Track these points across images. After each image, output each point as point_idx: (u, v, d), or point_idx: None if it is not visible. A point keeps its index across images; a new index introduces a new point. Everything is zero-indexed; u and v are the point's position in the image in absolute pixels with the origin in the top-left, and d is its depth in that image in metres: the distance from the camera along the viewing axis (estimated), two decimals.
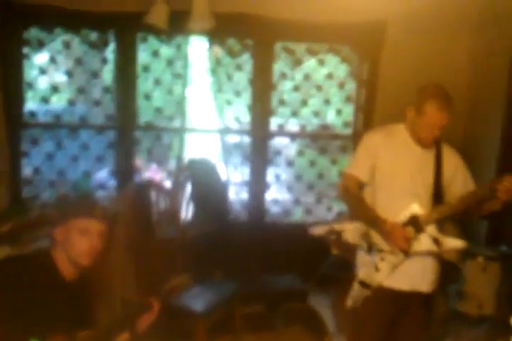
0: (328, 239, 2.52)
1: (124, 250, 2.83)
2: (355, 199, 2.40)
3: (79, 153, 3.91)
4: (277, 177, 4.21)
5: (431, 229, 2.25)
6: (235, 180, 4.13)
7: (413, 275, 2.32)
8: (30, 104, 3.88)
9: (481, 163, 3.60)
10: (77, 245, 1.89)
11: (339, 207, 4.00)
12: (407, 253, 2.25)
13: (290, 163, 4.18)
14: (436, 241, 2.24)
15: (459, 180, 2.38)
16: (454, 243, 2.26)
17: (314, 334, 1.51)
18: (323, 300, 3.73)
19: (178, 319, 2.78)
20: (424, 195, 2.32)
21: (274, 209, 4.23)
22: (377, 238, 2.32)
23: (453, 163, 2.39)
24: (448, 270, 2.45)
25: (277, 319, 3.33)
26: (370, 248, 2.34)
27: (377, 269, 2.31)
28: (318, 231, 2.45)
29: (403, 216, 2.28)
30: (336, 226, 2.41)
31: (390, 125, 2.45)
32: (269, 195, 4.23)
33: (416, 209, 2.27)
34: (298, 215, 4.25)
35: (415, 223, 2.26)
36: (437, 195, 2.32)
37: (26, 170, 3.88)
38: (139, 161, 4.06)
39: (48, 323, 1.79)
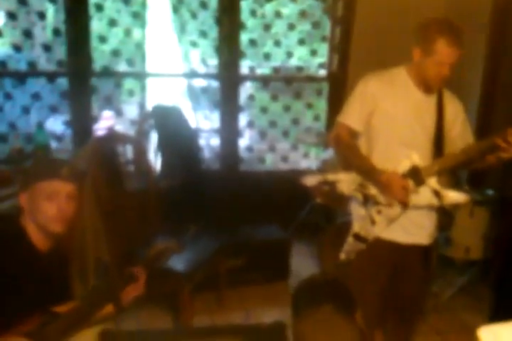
0: (318, 190, 2.34)
1: (94, 209, 2.58)
2: (349, 148, 2.22)
3: (30, 103, 3.56)
4: (250, 123, 3.97)
5: (432, 182, 2.10)
6: (204, 128, 3.89)
7: (412, 228, 2.19)
8: None
9: None
10: (46, 211, 1.66)
11: (316, 153, 3.82)
12: (405, 205, 2.11)
13: (263, 109, 3.94)
14: (437, 194, 2.09)
15: (457, 129, 2.21)
16: (456, 196, 2.11)
17: (342, 308, 1.38)
18: (304, 250, 3.64)
19: (159, 280, 2.59)
20: (425, 144, 2.16)
21: (248, 157, 4.03)
22: (373, 190, 2.17)
23: (454, 110, 2.21)
24: (442, 217, 2.31)
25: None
26: (366, 200, 2.19)
27: (373, 222, 2.18)
28: (310, 181, 2.26)
29: (402, 167, 2.11)
30: (329, 177, 2.22)
31: (388, 69, 2.21)
32: (242, 143, 4.03)
33: (416, 160, 2.10)
34: (273, 162, 4.06)
35: (415, 175, 2.10)
36: (438, 144, 2.16)
37: None
38: (97, 110, 3.73)
39: (25, 300, 1.60)
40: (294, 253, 3.43)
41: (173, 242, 1.88)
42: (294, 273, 3.40)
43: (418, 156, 2.11)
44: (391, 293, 2.31)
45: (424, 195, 2.11)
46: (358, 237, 2.21)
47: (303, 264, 3.50)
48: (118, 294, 1.76)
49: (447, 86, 2.22)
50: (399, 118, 2.14)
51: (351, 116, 2.20)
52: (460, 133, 2.21)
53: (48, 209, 1.65)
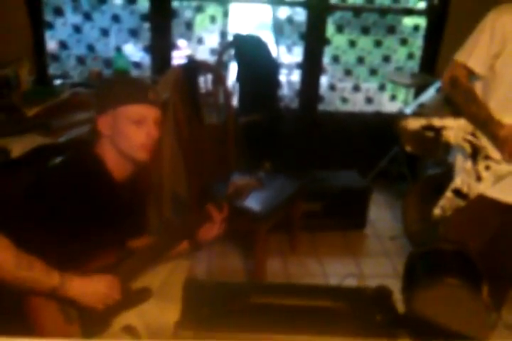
0: (418, 136, 2.11)
1: (173, 141, 2.47)
2: (464, 92, 1.95)
3: (109, 25, 3.44)
4: (335, 59, 3.68)
5: None
6: (286, 61, 3.64)
7: None
8: None
9: None
10: (133, 137, 1.50)
11: (406, 96, 3.52)
12: None
13: (351, 43, 3.62)
14: None
15: None
16: None
17: (468, 284, 1.23)
18: (383, 200, 3.46)
19: (236, 220, 2.50)
20: None
21: (330, 96, 3.78)
22: (485, 142, 1.94)
23: None
24: None
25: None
26: (475, 152, 1.95)
27: (479, 178, 1.95)
28: (412, 124, 2.02)
29: None
30: (436, 122, 1.98)
31: None
32: (325, 80, 3.76)
33: None
34: (356, 103, 3.80)
35: None
36: None
37: (51, 45, 3.46)
38: (178, 38, 3.55)
39: (100, 233, 1.50)
40: (373, 202, 3.26)
41: (252, 179, 1.74)
42: (371, 223, 3.26)
43: None
44: (488, 255, 2.12)
45: None
46: (458, 193, 2.00)
47: (381, 215, 3.35)
48: (194, 232, 1.66)
49: None
50: None
51: (475, 56, 1.92)
52: None
53: (136, 135, 1.51)
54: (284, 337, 1.17)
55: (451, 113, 2.06)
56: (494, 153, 1.94)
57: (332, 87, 3.78)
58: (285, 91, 3.71)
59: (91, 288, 1.42)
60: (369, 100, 3.78)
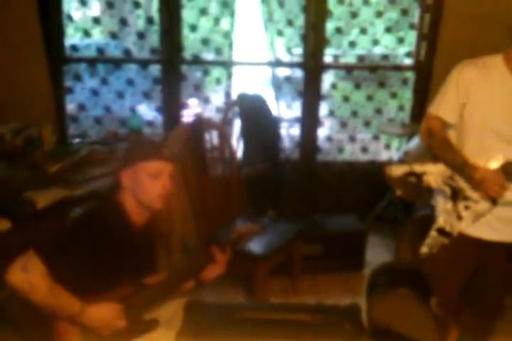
0: (402, 181, 2.32)
1: (183, 191, 2.73)
2: (440, 142, 2.16)
3: (124, 88, 3.78)
4: (331, 112, 3.98)
5: None
6: (286, 116, 3.94)
7: (498, 225, 2.14)
8: (72, 38, 3.70)
9: None
10: (150, 189, 1.77)
11: (398, 144, 3.78)
12: (495, 202, 2.06)
13: (345, 98, 3.93)
14: None
15: None
16: None
17: (418, 294, 1.43)
18: (379, 242, 3.64)
19: (238, 262, 2.70)
20: None
21: (327, 147, 4.05)
22: (463, 184, 2.12)
23: None
24: None
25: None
26: (454, 194, 2.14)
27: (459, 217, 2.13)
28: (396, 171, 2.23)
29: (495, 162, 2.05)
30: (417, 168, 2.19)
31: (483, 57, 2.13)
32: (322, 132, 4.04)
33: (510, 154, 2.04)
34: (352, 153, 4.06)
35: (508, 171, 2.03)
36: None
37: (71, 107, 3.79)
38: (187, 98, 3.88)
39: (118, 270, 1.74)
40: (370, 245, 3.44)
41: (255, 225, 1.97)
42: (369, 264, 3.41)
43: None
44: (472, 289, 2.28)
45: None
46: (442, 232, 2.17)
47: (378, 256, 3.49)
48: (200, 271, 1.88)
49: None
50: (493, 110, 2.06)
51: (444, 107, 2.14)
52: None
53: (153, 187, 1.76)
54: None
55: (432, 159, 2.26)
56: (472, 194, 2.10)
57: (329, 139, 4.05)
58: (286, 143, 3.97)
59: (98, 314, 1.64)
60: (364, 149, 4.02)
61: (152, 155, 1.78)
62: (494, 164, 2.05)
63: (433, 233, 2.19)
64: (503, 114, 2.06)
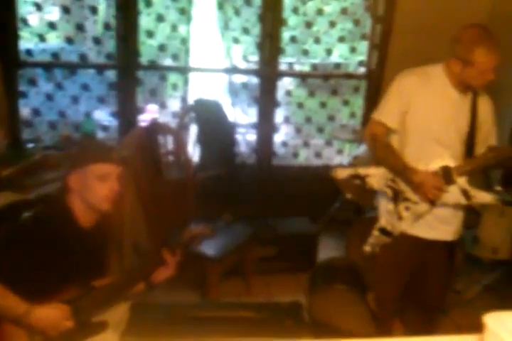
0: (348, 184, 2.41)
1: (133, 194, 2.75)
2: (382, 146, 2.25)
3: (79, 93, 3.77)
4: (286, 119, 4.07)
5: (462, 182, 2.13)
6: (242, 122, 4.00)
7: (437, 224, 2.24)
8: (26, 43, 3.67)
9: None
10: (98, 191, 1.79)
11: (349, 149, 3.89)
12: (433, 203, 2.16)
13: (300, 105, 4.03)
14: (465, 193, 2.13)
15: (484, 130, 2.23)
16: (484, 197, 2.14)
17: (355, 290, 1.50)
18: (333, 243, 3.72)
19: (190, 264, 2.73)
20: (457, 144, 2.18)
21: (282, 152, 4.13)
22: (403, 186, 2.21)
23: (486, 110, 2.23)
24: (468, 215, 2.34)
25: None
26: (395, 196, 2.23)
27: (400, 218, 2.23)
28: (341, 174, 2.31)
29: (434, 166, 2.15)
30: (360, 171, 2.27)
31: (424, 66, 2.24)
32: (278, 138, 4.12)
33: (448, 159, 2.14)
34: (306, 158, 4.15)
35: (446, 174, 2.13)
36: (470, 144, 2.18)
37: (25, 112, 3.75)
38: (144, 104, 3.91)
39: (63, 272, 1.75)
40: (323, 246, 3.52)
41: (206, 227, 2.01)
42: None
43: (450, 155, 2.15)
44: (413, 286, 2.36)
45: (452, 194, 2.14)
46: (383, 231, 2.26)
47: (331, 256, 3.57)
48: (150, 273, 1.91)
49: (487, 87, 2.22)
50: (434, 116, 2.16)
51: (387, 113, 2.23)
52: (486, 133, 2.24)
53: (100, 189, 1.78)
54: (216, 339, 1.42)
55: (376, 163, 2.35)
56: (412, 196, 2.20)
57: (285, 144, 4.14)
58: (243, 148, 4.04)
59: (45, 315, 1.63)
60: (318, 155, 4.13)
61: (100, 158, 1.81)
62: (432, 167, 2.15)
63: (375, 232, 2.28)
64: (442, 120, 2.17)
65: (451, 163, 2.14)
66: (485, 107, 2.23)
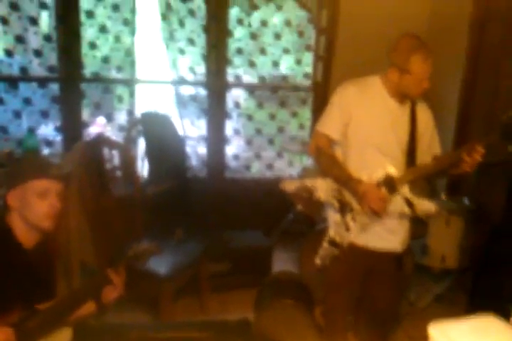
0: (297, 196, 2.40)
1: (79, 211, 2.65)
2: (327, 158, 2.27)
3: (21, 107, 3.64)
4: (236, 131, 4.05)
5: (404, 191, 2.16)
6: (191, 135, 3.96)
7: (384, 234, 2.26)
8: None
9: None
10: (37, 208, 1.71)
11: (300, 161, 3.91)
12: (379, 214, 2.17)
13: (249, 117, 4.02)
14: (409, 203, 2.16)
15: (426, 138, 2.28)
16: (426, 206, 2.17)
17: (302, 304, 1.48)
18: (287, 256, 3.70)
19: (141, 283, 2.65)
20: (398, 153, 2.22)
21: (234, 164, 4.11)
22: (349, 197, 2.22)
23: (425, 118, 2.28)
24: (415, 225, 2.37)
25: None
26: (342, 207, 2.24)
27: (347, 229, 2.23)
28: (289, 186, 2.31)
29: (376, 175, 2.17)
30: (308, 183, 2.27)
31: (363, 77, 2.27)
32: (229, 150, 4.10)
33: (390, 169, 2.17)
34: (258, 170, 4.14)
35: (389, 183, 2.16)
36: (411, 153, 2.22)
37: None
38: (86, 116, 3.80)
39: (8, 294, 1.67)
40: (277, 259, 3.50)
41: (152, 244, 1.94)
42: None
43: (392, 165, 2.17)
44: (364, 297, 2.37)
45: (396, 203, 2.17)
46: (332, 243, 2.25)
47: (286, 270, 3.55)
48: (98, 293, 1.83)
49: (425, 96, 2.27)
50: (373, 126, 2.19)
51: (329, 125, 2.25)
52: (429, 142, 2.28)
53: (40, 207, 1.71)
54: None
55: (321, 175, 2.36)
56: (358, 206, 2.20)
57: (236, 157, 4.11)
58: (193, 161, 3.98)
59: None
60: (269, 166, 4.13)
61: (38, 174, 1.73)
62: (375, 177, 2.17)
63: (325, 244, 2.27)
64: (381, 130, 2.20)
65: (393, 173, 2.17)
66: (424, 116, 2.27)
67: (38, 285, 1.78)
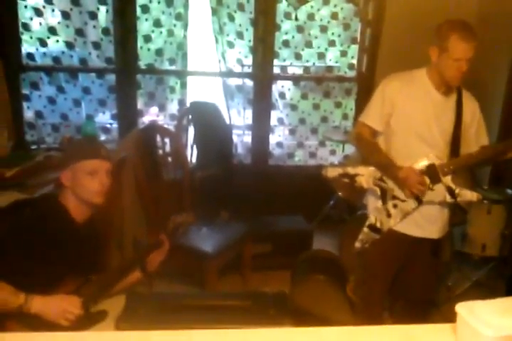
0: (339, 183, 2.51)
1: (133, 193, 2.86)
2: (368, 145, 2.36)
3: (80, 96, 3.89)
4: (280, 120, 4.19)
5: (447, 180, 2.23)
6: (238, 124, 4.11)
7: (423, 222, 2.33)
8: (28, 47, 3.79)
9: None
10: (88, 185, 1.90)
11: (342, 150, 4.01)
12: (420, 200, 2.25)
13: (294, 107, 4.14)
14: (451, 192, 2.22)
15: (473, 128, 2.32)
16: (469, 195, 2.23)
17: (335, 281, 1.60)
18: (327, 241, 3.82)
19: (188, 260, 2.84)
20: (442, 144, 2.27)
21: (278, 152, 4.24)
22: (391, 184, 2.31)
23: (471, 110, 2.31)
24: (455, 212, 2.42)
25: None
26: (384, 194, 2.33)
27: (388, 215, 2.32)
28: (331, 173, 2.39)
29: (420, 165, 2.24)
30: (350, 170, 2.36)
31: (410, 70, 2.33)
32: (273, 139, 4.23)
33: (433, 158, 2.23)
34: (301, 158, 4.27)
35: (432, 173, 2.23)
36: (455, 144, 2.27)
37: (28, 114, 3.87)
38: (141, 105, 4.02)
39: (59, 266, 1.84)
40: (318, 244, 3.61)
41: (189, 215, 2.11)
42: None
43: (435, 155, 2.24)
44: (401, 281, 2.46)
45: (438, 193, 2.24)
46: (373, 228, 2.35)
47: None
48: (143, 259, 2.02)
49: (471, 88, 2.32)
50: (417, 119, 2.26)
51: (372, 116, 2.34)
52: (475, 132, 2.33)
53: (91, 184, 1.90)
54: (204, 327, 1.52)
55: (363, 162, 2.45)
56: (399, 193, 2.30)
57: (280, 145, 4.25)
58: (239, 149, 4.15)
59: (53, 304, 1.73)
60: (312, 155, 4.25)
61: (88, 155, 1.92)
62: (418, 166, 2.25)
63: (365, 229, 2.37)
64: (424, 121, 2.27)
65: (436, 162, 2.23)
66: (470, 108, 2.31)
67: (89, 257, 1.97)
